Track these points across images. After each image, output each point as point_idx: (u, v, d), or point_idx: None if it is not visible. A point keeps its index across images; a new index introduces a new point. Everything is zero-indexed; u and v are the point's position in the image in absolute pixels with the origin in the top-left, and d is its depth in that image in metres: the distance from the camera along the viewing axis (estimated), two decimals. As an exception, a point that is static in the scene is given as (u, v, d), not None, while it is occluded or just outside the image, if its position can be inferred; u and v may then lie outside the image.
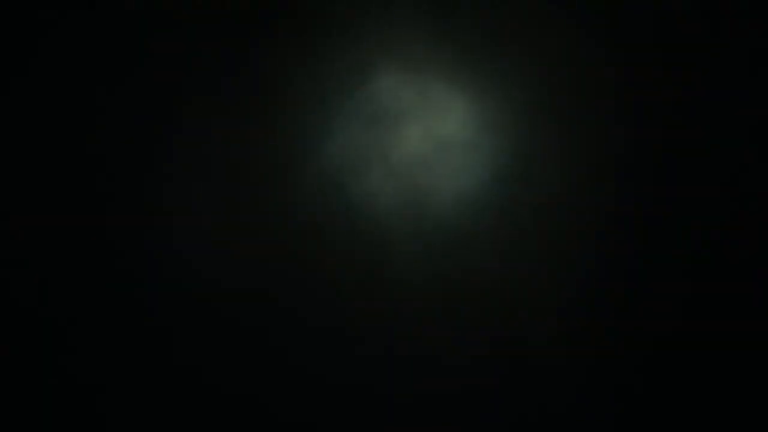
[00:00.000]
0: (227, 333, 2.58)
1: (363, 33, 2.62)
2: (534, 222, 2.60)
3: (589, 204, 2.60)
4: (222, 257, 2.59)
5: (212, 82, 2.63)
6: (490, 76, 2.62)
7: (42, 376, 2.54)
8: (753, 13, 2.61)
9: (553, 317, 2.58)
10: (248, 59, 2.64)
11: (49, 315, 2.56)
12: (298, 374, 2.58)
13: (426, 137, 2.61)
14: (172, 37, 2.63)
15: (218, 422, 2.55)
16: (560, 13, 2.63)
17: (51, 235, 2.59)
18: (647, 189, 2.61)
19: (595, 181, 2.61)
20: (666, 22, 2.63)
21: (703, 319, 2.58)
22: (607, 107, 2.63)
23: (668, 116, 2.63)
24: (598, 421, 2.56)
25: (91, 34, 2.63)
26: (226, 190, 2.62)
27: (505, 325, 2.58)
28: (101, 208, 2.60)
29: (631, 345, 2.58)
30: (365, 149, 2.61)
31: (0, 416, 2.50)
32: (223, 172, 2.62)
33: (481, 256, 2.58)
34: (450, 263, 2.58)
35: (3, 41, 2.57)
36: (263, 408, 2.56)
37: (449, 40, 2.62)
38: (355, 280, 2.59)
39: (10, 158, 2.59)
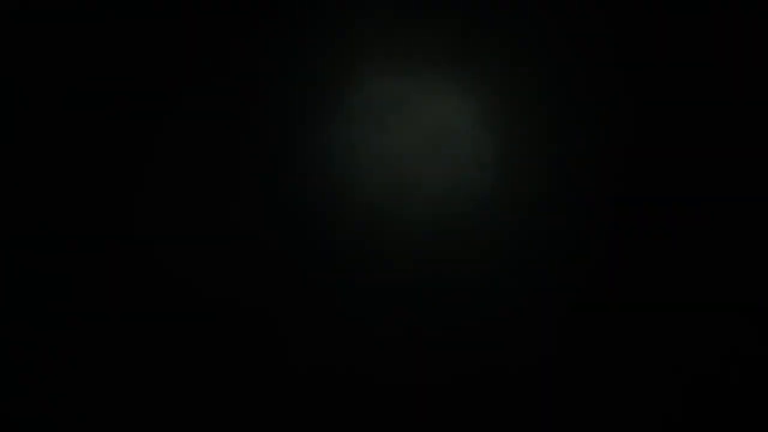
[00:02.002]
0: (218, 325, 2.58)
1: (350, 25, 2.63)
2: (521, 216, 2.61)
3: (579, 200, 2.61)
4: (211, 250, 2.60)
5: (198, 78, 2.64)
6: (479, 68, 2.63)
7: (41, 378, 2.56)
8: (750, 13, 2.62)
9: (538, 312, 2.58)
10: (234, 54, 2.65)
11: (42, 316, 2.56)
12: (284, 363, 2.57)
13: (413, 130, 2.62)
14: (156, 32, 2.64)
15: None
16: (552, 8, 2.64)
17: (36, 235, 2.60)
18: (640, 187, 2.62)
19: (586, 177, 2.62)
20: (661, 21, 2.64)
21: (700, 317, 2.58)
22: (600, 103, 2.63)
23: (664, 115, 2.63)
24: (589, 421, 2.56)
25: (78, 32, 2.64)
26: (212, 185, 2.62)
27: (488, 317, 2.58)
28: (88, 206, 2.61)
29: (624, 342, 2.58)
30: (352, 142, 2.62)
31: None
32: (208, 167, 2.62)
33: (467, 248, 2.59)
34: (436, 256, 2.59)
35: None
36: (260, 402, 2.57)
37: (438, 32, 2.64)
38: (342, 273, 2.60)
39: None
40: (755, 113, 2.62)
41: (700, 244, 2.61)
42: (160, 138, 2.64)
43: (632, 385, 2.58)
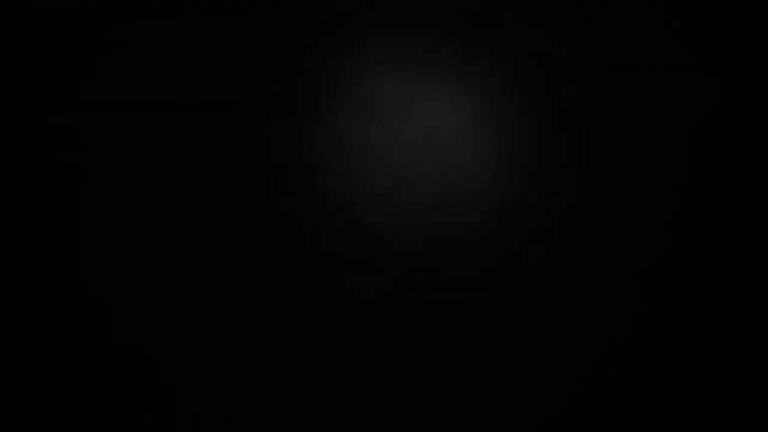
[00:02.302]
0: (218, 322, 2.59)
1: (350, 24, 2.63)
2: (520, 215, 2.60)
3: (578, 200, 2.61)
4: (208, 248, 2.60)
5: (196, 77, 2.64)
6: (479, 68, 2.63)
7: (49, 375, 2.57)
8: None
9: (536, 310, 2.58)
10: (233, 53, 2.64)
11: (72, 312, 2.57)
12: (278, 367, 2.58)
13: (413, 130, 2.62)
14: (155, 32, 2.64)
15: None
16: (552, 9, 2.63)
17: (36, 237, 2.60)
18: (639, 185, 2.62)
19: (586, 176, 2.62)
20: (660, 21, 2.64)
21: (700, 319, 2.59)
22: (597, 102, 2.63)
23: (663, 114, 2.63)
24: (588, 418, 2.57)
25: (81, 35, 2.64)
26: (209, 184, 2.62)
27: (486, 315, 2.58)
28: (96, 206, 2.61)
29: (619, 341, 2.58)
30: (351, 141, 2.62)
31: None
32: (205, 166, 2.63)
33: (466, 247, 2.59)
34: (434, 256, 2.59)
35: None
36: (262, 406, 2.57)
37: (438, 32, 2.63)
38: (338, 270, 2.60)
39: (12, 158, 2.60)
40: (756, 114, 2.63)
41: (700, 242, 2.61)
42: (160, 138, 2.64)
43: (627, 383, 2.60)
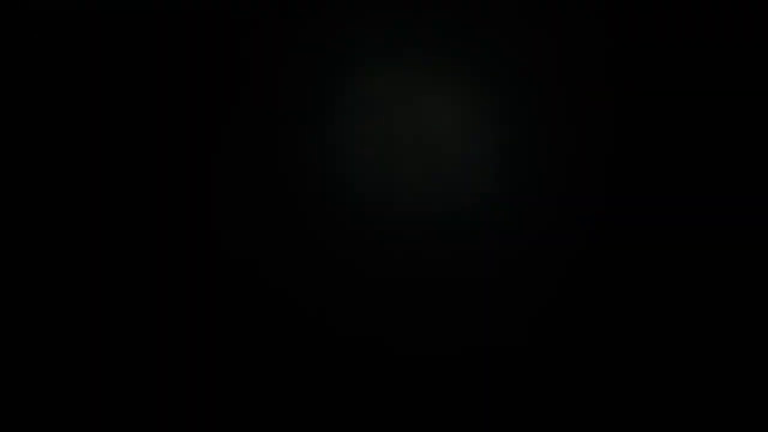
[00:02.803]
0: (220, 323, 2.60)
1: (347, 23, 2.63)
2: (518, 216, 2.60)
3: (577, 200, 2.60)
4: (206, 248, 2.60)
5: (193, 76, 2.64)
6: (478, 64, 2.63)
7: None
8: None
9: (537, 313, 2.58)
10: (230, 52, 2.65)
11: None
12: (275, 365, 2.58)
13: (409, 126, 2.62)
14: (154, 31, 2.64)
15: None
16: (551, 8, 2.63)
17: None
18: (638, 185, 2.61)
19: (584, 176, 2.61)
20: (660, 20, 2.63)
21: (704, 321, 2.58)
22: (600, 102, 2.62)
23: (663, 114, 2.63)
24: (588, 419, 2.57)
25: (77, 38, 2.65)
26: (207, 183, 2.63)
27: (485, 316, 2.58)
28: (102, 208, 2.63)
29: (622, 346, 2.58)
30: (347, 138, 2.62)
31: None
32: (204, 165, 2.63)
33: (463, 247, 2.59)
34: (431, 256, 2.59)
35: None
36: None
37: (436, 32, 2.63)
38: (337, 270, 2.60)
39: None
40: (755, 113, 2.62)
41: (698, 242, 2.60)
42: (159, 137, 2.64)
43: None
